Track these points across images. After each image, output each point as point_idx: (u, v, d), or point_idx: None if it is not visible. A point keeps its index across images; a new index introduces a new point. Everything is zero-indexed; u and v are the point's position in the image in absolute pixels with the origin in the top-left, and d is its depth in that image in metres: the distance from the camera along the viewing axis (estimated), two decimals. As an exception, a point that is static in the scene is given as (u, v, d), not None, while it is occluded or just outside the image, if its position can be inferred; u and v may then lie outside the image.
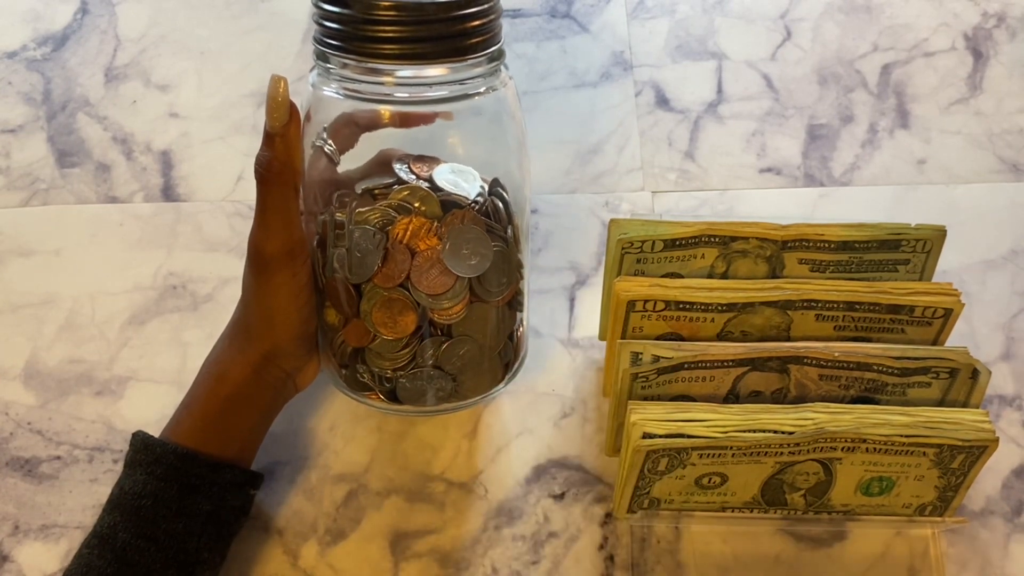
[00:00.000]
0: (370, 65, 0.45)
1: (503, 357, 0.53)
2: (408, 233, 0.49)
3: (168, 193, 0.68)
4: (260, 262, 0.49)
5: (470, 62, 0.46)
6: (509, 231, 0.52)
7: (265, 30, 0.73)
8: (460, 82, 0.46)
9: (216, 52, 0.73)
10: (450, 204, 0.50)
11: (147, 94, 0.71)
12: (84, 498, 0.57)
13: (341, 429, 0.59)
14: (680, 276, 0.54)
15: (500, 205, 0.51)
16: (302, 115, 0.48)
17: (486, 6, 0.45)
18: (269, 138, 0.47)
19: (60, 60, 0.73)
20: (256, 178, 0.47)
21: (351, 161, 0.51)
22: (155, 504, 0.48)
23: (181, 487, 0.48)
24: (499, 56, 0.47)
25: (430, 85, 0.45)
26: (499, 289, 0.51)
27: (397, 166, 0.51)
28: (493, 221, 0.51)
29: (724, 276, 0.54)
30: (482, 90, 0.47)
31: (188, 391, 0.52)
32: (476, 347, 0.51)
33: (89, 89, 0.71)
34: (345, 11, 0.44)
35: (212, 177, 0.68)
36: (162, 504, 0.48)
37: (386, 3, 0.43)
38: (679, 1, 0.74)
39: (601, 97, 0.70)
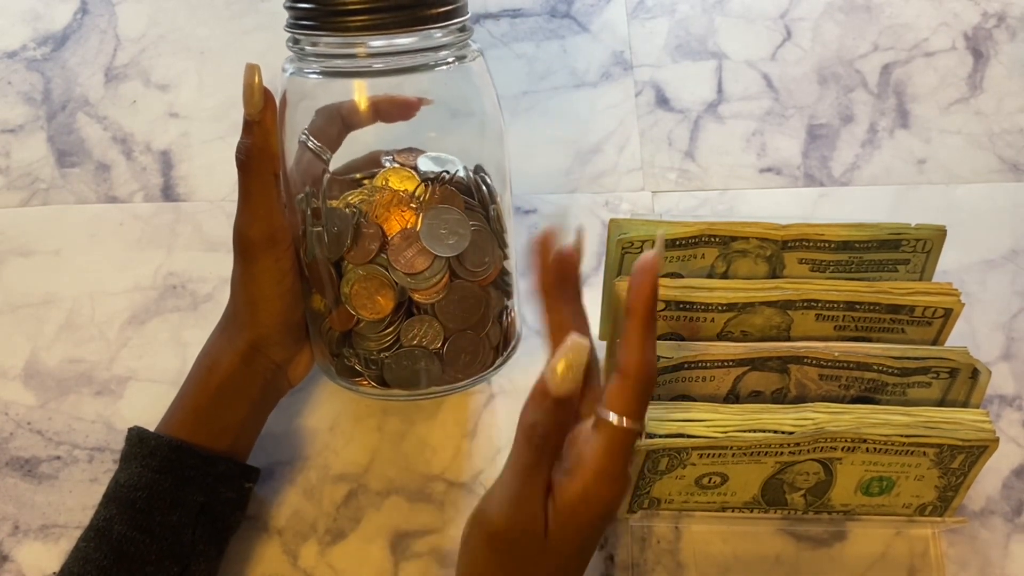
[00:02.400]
0: (341, 39, 0.46)
1: (491, 339, 0.54)
2: (379, 206, 0.50)
3: (168, 193, 0.68)
4: (243, 248, 0.50)
5: (438, 32, 0.47)
6: (492, 211, 0.52)
7: (265, 30, 0.73)
8: (430, 49, 0.48)
9: (216, 52, 0.73)
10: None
11: (147, 94, 0.71)
12: (84, 498, 0.57)
13: (341, 429, 0.59)
14: (680, 276, 0.54)
15: (482, 186, 0.52)
16: (278, 101, 0.49)
17: None
18: (247, 125, 0.48)
19: (60, 60, 0.73)
20: (237, 165, 0.49)
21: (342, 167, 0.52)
22: (150, 496, 0.48)
23: (175, 479, 0.49)
24: (465, 29, 0.49)
25: (401, 54, 0.47)
26: (481, 269, 0.51)
27: (384, 159, 0.53)
28: (474, 200, 0.51)
29: (724, 276, 0.54)
30: (451, 60, 0.48)
31: (182, 385, 0.52)
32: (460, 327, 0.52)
33: (89, 89, 0.71)
34: None
35: (212, 177, 0.68)
36: (156, 496, 0.48)
37: None
38: (679, 1, 0.74)
39: (601, 97, 0.70)
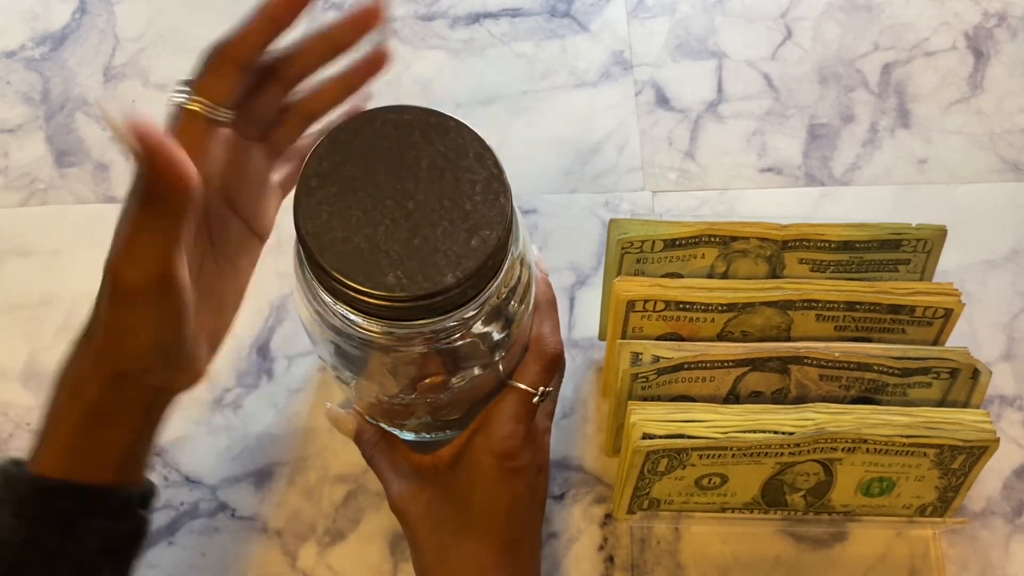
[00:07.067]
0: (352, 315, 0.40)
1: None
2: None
3: (167, 193, 0.67)
4: (115, 291, 0.38)
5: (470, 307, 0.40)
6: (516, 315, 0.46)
7: (264, 29, 0.73)
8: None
9: (215, 51, 0.73)
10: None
11: (146, 94, 0.71)
12: (83, 499, 0.57)
13: (340, 429, 0.59)
14: (680, 276, 0.54)
15: (492, 335, 0.44)
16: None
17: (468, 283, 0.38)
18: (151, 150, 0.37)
19: (58, 60, 0.72)
20: (136, 193, 0.39)
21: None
22: (26, 550, 0.40)
23: (55, 527, 0.41)
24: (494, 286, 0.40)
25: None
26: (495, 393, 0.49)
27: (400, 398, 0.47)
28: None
29: (724, 276, 0.54)
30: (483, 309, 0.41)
31: (45, 403, 0.43)
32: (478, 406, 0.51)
33: (88, 88, 0.71)
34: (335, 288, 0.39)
35: (211, 177, 0.68)
36: (34, 550, 0.41)
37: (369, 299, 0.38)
38: (679, 0, 0.74)
39: (601, 97, 0.70)
